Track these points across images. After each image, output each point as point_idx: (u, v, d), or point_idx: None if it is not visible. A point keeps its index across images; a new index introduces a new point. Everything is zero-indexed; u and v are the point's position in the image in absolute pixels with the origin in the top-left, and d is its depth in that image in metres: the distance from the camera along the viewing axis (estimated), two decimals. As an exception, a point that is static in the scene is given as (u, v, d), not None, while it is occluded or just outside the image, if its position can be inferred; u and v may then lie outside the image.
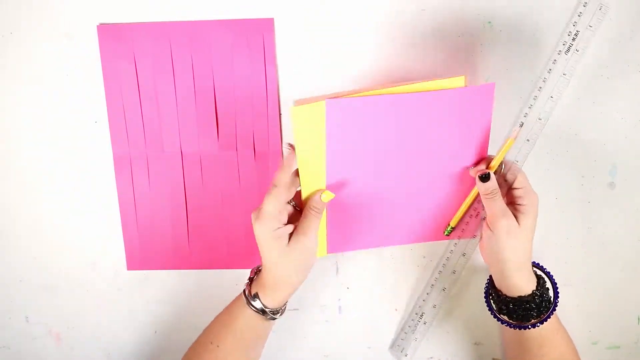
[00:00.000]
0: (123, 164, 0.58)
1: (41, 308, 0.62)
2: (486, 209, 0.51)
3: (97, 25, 0.56)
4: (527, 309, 0.50)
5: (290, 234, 0.50)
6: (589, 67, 0.55)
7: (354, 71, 0.56)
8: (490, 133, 0.52)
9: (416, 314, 0.59)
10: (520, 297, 0.50)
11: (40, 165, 0.59)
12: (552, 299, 0.52)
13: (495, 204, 0.50)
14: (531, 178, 0.57)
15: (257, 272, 0.53)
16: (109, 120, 0.57)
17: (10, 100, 0.58)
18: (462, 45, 0.55)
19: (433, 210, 0.56)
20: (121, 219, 0.59)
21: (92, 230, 0.60)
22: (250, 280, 0.53)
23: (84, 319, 0.62)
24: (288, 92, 0.57)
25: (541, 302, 0.50)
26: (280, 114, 0.57)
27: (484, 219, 0.52)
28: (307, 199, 0.51)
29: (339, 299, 0.61)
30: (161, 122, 0.57)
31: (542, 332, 0.51)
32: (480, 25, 0.55)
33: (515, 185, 0.51)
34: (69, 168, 0.59)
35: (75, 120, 0.58)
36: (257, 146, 0.57)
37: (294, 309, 0.61)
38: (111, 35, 0.56)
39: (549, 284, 0.53)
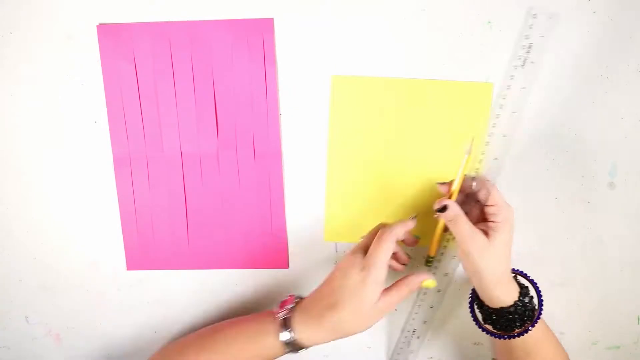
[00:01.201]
0: (123, 164, 0.58)
1: (41, 308, 0.62)
2: (453, 233, 0.50)
3: (97, 25, 0.56)
4: (510, 320, 0.50)
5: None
6: (589, 67, 0.55)
7: (353, 71, 0.56)
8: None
9: (408, 331, 0.60)
10: (502, 307, 0.50)
11: (40, 165, 0.59)
12: (535, 307, 0.51)
13: (460, 228, 0.49)
14: (531, 178, 0.57)
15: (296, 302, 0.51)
16: (108, 121, 0.57)
17: (10, 100, 0.58)
18: (462, 45, 0.55)
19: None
20: (121, 219, 0.59)
21: (92, 230, 0.60)
22: (289, 310, 0.50)
23: (84, 319, 0.62)
24: (288, 92, 0.57)
25: (524, 311, 0.50)
26: (279, 114, 0.57)
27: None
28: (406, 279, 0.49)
29: (339, 299, 0.61)
30: (161, 122, 0.57)
31: (528, 340, 0.50)
32: (480, 25, 0.55)
33: (489, 202, 0.50)
34: (69, 168, 0.59)
35: (75, 120, 0.58)
36: (257, 146, 0.57)
37: (294, 309, 0.61)
38: (111, 35, 0.56)
39: (533, 292, 0.52)
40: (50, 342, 0.63)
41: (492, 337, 0.52)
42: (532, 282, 0.52)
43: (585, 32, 0.54)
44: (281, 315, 0.50)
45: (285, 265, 0.60)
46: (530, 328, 0.50)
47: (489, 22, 0.55)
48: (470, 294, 0.54)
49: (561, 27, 0.54)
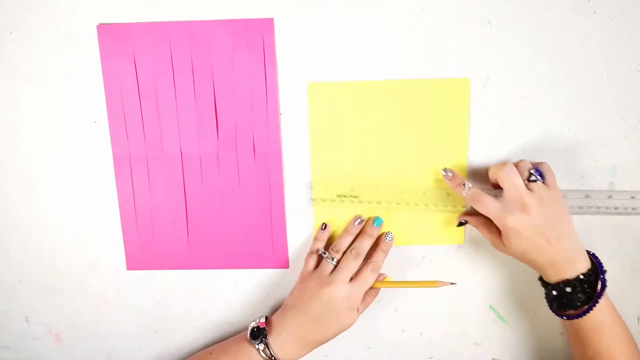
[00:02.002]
0: (123, 164, 0.58)
1: (41, 308, 0.62)
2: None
3: (97, 25, 0.56)
4: (570, 298, 0.51)
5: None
6: (589, 67, 0.55)
7: (353, 71, 0.56)
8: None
9: None
10: (557, 283, 0.51)
11: (40, 165, 0.59)
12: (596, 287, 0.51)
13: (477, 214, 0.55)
14: (531, 178, 0.57)
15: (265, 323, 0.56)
16: (108, 121, 0.57)
17: (10, 101, 0.58)
18: (462, 45, 0.55)
19: None
20: (121, 219, 0.59)
21: (92, 230, 0.60)
22: (264, 334, 0.55)
23: (84, 319, 0.62)
24: (288, 92, 0.57)
25: (583, 290, 0.50)
26: (279, 114, 0.57)
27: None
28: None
29: (339, 299, 0.61)
30: (161, 122, 0.57)
31: (594, 319, 0.51)
32: (480, 25, 0.55)
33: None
34: (69, 168, 0.59)
35: (75, 120, 0.58)
36: (257, 146, 0.57)
37: (294, 309, 0.61)
38: (111, 35, 0.56)
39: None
40: (50, 342, 0.63)
41: (559, 317, 0.53)
42: (598, 263, 0.52)
43: (585, 32, 0.54)
44: (259, 344, 0.54)
45: (286, 265, 0.60)
46: (592, 306, 0.50)
47: (489, 22, 0.55)
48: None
49: (561, 27, 0.54)
